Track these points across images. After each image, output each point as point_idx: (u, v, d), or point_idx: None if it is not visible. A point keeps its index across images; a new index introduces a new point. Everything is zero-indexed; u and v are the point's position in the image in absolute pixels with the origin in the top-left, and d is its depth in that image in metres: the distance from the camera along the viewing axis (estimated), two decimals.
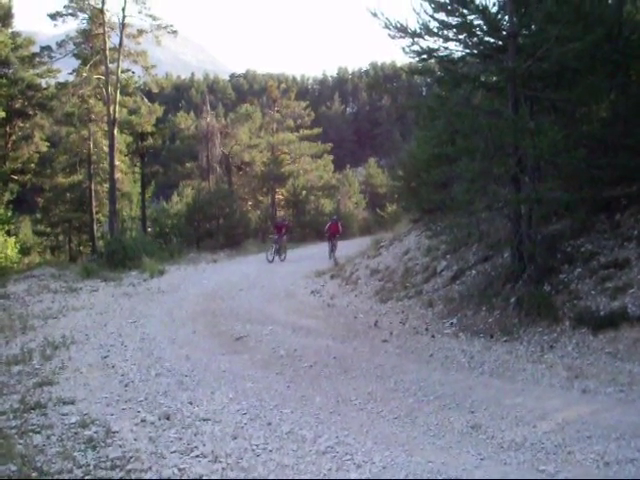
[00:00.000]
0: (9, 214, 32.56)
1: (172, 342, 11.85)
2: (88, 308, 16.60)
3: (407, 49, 12.40)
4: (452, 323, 12.13)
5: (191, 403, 7.77)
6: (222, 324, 13.79)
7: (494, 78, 12.39)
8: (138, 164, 42.18)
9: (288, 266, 24.92)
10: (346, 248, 30.22)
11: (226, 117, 50.10)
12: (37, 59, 34.88)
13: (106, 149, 35.37)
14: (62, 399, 8.01)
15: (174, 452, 6.21)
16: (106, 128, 34.83)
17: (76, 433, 6.73)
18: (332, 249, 27.39)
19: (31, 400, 7.96)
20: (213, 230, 37.75)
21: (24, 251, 32.20)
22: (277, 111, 48.73)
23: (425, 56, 12.66)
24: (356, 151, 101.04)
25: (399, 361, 10.11)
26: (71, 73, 35.02)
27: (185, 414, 7.36)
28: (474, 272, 13.71)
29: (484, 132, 11.41)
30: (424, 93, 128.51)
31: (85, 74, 32.86)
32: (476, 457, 6.16)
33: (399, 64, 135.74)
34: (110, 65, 33.16)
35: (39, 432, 6.80)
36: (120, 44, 33.02)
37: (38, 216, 41.00)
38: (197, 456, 6.11)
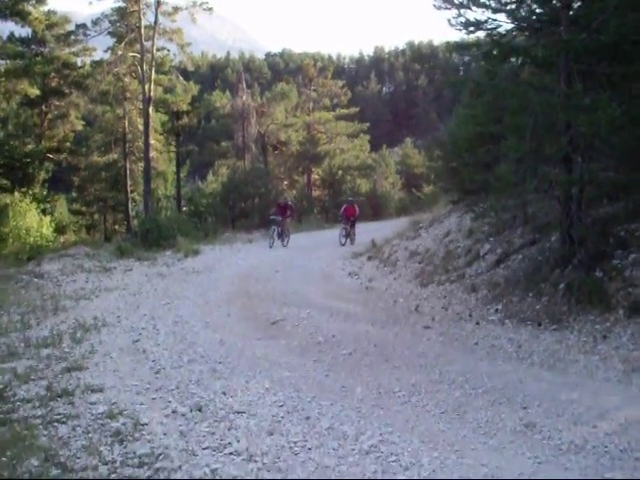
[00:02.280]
0: (44, 193, 32.58)
1: (206, 325, 11.48)
2: (121, 289, 16.34)
3: (453, 21, 11.75)
4: (497, 309, 11.55)
5: (225, 393, 7.33)
6: (257, 307, 13.40)
7: (544, 52, 11.65)
8: (173, 143, 41.94)
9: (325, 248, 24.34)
10: (382, 229, 29.77)
11: (262, 96, 49.70)
12: (72, 37, 34.57)
13: (141, 128, 35.11)
14: (90, 386, 7.64)
15: (206, 449, 5.77)
16: (141, 107, 34.54)
17: (103, 425, 6.33)
18: (347, 234, 26.38)
19: (58, 387, 7.60)
20: (248, 210, 37.41)
21: (59, 230, 32.20)
22: (313, 90, 48.13)
23: (472, 28, 11.98)
24: (392, 131, 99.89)
25: (443, 349, 9.59)
26: (106, 51, 34.77)
27: (218, 405, 6.92)
28: (520, 256, 13.07)
29: (534, 109, 10.78)
30: (461, 72, 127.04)
31: (120, 52, 32.58)
32: (533, 460, 5.65)
33: (436, 43, 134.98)
34: (145, 43, 32.87)
35: (65, 422, 6.43)
36: (155, 22, 32.66)
37: (74, 195, 41.04)
38: (230, 454, 5.68)
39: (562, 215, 11.65)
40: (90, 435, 6.08)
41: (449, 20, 11.77)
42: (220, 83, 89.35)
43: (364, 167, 50.89)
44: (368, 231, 31.69)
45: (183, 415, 6.64)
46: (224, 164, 51.22)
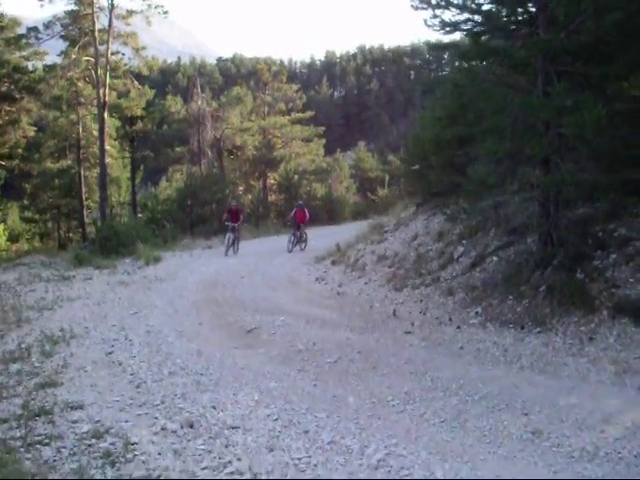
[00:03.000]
0: None
1: (179, 335, 11.07)
2: (84, 298, 15.79)
3: (429, 21, 11.57)
4: (477, 312, 11.40)
5: (215, 407, 6.97)
6: (229, 314, 13.02)
7: (522, 53, 11.50)
8: (127, 149, 41.17)
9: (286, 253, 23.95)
10: (340, 233, 29.56)
11: (215, 101, 49.02)
12: (23, 41, 33.53)
13: (95, 133, 34.42)
14: (69, 403, 7.21)
15: (205, 469, 5.44)
16: (95, 112, 33.84)
17: (90, 445, 5.93)
18: (297, 240, 25.35)
19: (35, 405, 7.16)
20: (206, 215, 36.82)
21: (12, 238, 31.30)
22: (268, 94, 47.80)
23: (448, 29, 11.79)
24: (345, 135, 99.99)
25: (428, 355, 9.37)
26: (59, 55, 33.87)
27: (210, 421, 6.56)
28: (496, 258, 12.95)
29: (513, 110, 10.66)
30: (412, 75, 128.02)
31: (74, 56, 31.74)
32: (547, 469, 5.46)
33: (386, 47, 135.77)
34: (99, 47, 32.10)
35: (48, 444, 6.01)
36: (110, 25, 31.90)
37: (25, 202, 39.92)
38: (232, 473, 5.35)
39: (540, 216, 11.55)
40: (77, 457, 5.67)
41: (425, 20, 11.58)
42: (171, 88, 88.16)
43: (319, 171, 50.67)
44: (326, 235, 31.52)
45: (174, 432, 6.28)
46: (178, 170, 50.52)
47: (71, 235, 40.28)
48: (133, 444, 5.92)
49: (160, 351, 9.86)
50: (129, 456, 5.65)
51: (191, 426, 6.39)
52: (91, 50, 32.40)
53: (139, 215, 37.63)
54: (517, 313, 10.82)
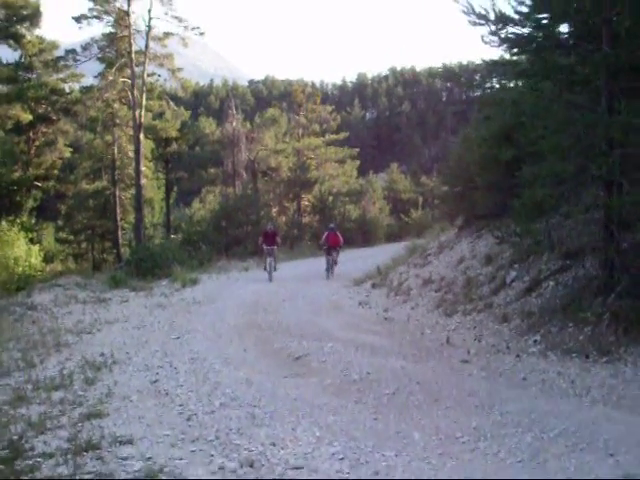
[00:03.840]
0: (32, 221, 31.62)
1: (225, 363, 10.62)
2: (122, 321, 15.53)
3: (487, 38, 11.10)
4: (536, 341, 10.82)
5: (274, 444, 6.46)
6: (273, 340, 12.57)
7: (588, 69, 10.96)
8: (161, 170, 41.18)
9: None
10: (376, 256, 29.15)
11: (246, 123, 48.94)
12: (61, 63, 33.68)
13: (131, 154, 34.46)
14: (117, 437, 6.76)
15: None
16: (130, 133, 33.85)
17: None
18: (331, 265, 24.01)
19: (81, 438, 6.72)
20: (241, 237, 36.55)
21: (47, 259, 31.19)
22: (303, 115, 47.62)
23: (506, 45, 11.30)
24: (377, 157, 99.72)
25: (491, 386, 8.81)
26: (96, 76, 33.96)
27: (271, 460, 6.06)
28: (552, 283, 12.38)
29: (576, 129, 10.15)
30: (444, 98, 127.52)
31: (111, 77, 31.80)
32: None
33: (419, 69, 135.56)
34: (135, 69, 32.15)
35: None
36: (146, 47, 32.05)
37: (60, 223, 39.98)
38: None
39: (603, 240, 10.97)
40: None
41: (482, 37, 11.12)
42: (204, 111, 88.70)
43: (354, 193, 50.37)
44: (361, 257, 31.23)
45: (233, 472, 5.79)
46: (211, 191, 50.45)
47: (105, 256, 40.26)
48: None
49: (208, 380, 9.40)
50: None
51: (251, 465, 5.90)
52: (127, 72, 32.51)
53: (172, 236, 37.51)
54: (579, 341, 10.24)
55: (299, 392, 8.75)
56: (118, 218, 36.16)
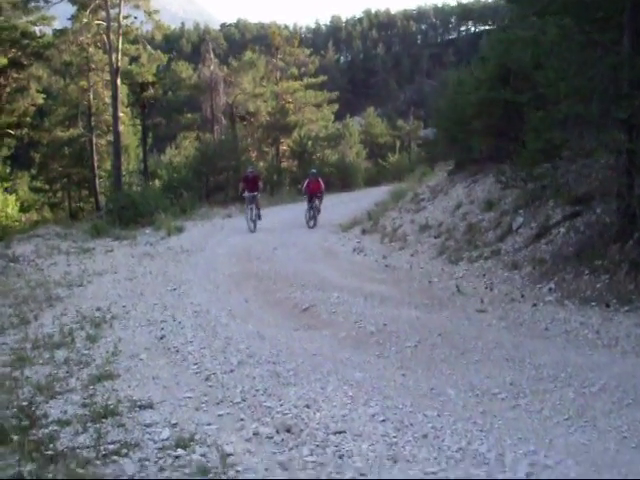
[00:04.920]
0: (7, 171, 30.67)
1: (230, 315, 10.18)
2: (112, 272, 15.01)
3: None
4: (551, 289, 10.48)
5: (308, 406, 6.04)
6: (274, 290, 12.15)
7: (607, 6, 10.35)
8: (137, 116, 40.02)
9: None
10: (359, 200, 28.77)
11: (223, 67, 47.67)
12: (32, 4, 32.09)
13: (107, 100, 33.36)
14: (135, 401, 6.31)
15: None
16: (107, 78, 32.67)
17: (177, 457, 5.00)
18: (313, 214, 22.40)
19: (96, 403, 6.25)
20: (222, 183, 35.79)
21: (23, 209, 30.30)
22: (280, 59, 46.48)
23: None
24: (352, 101, 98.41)
25: (514, 338, 8.46)
26: (69, 19, 32.46)
27: (309, 424, 5.63)
28: (562, 230, 11.99)
29: (599, 69, 9.64)
30: (419, 41, 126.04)
31: (85, 20, 30.40)
32: None
33: (393, 11, 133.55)
34: (110, 10, 30.78)
35: (126, 455, 5.07)
36: None
37: (34, 172, 38.84)
38: None
39: (625, 185, 10.54)
40: (169, 474, 4.76)
41: None
42: (176, 55, 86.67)
43: (332, 137, 49.55)
44: (343, 202, 30.78)
45: (270, 438, 5.35)
46: (187, 137, 49.35)
47: (82, 205, 39.36)
48: (229, 455, 4.99)
49: (217, 335, 8.96)
50: (231, 473, 4.71)
51: (288, 430, 5.47)
52: (102, 14, 31.07)
53: (150, 183, 36.70)
54: (597, 290, 9.91)
55: (316, 346, 8.35)
56: (95, 166, 35.12)
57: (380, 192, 30.64)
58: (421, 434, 5.40)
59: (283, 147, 46.11)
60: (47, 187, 39.03)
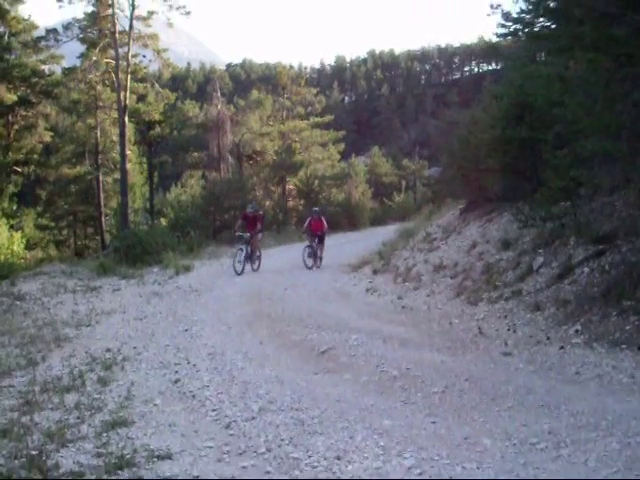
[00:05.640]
0: (13, 207, 30.51)
1: (247, 358, 9.80)
2: (120, 312, 14.69)
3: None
4: (577, 331, 10.09)
5: (339, 458, 5.66)
6: (289, 331, 11.78)
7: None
8: (144, 154, 40.06)
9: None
10: (367, 240, 28.58)
11: (230, 106, 47.85)
12: (42, 43, 32.26)
13: (114, 138, 33.41)
14: (152, 451, 5.91)
15: None
16: (114, 116, 32.74)
17: None
18: (314, 253, 21.77)
19: (111, 453, 5.88)
20: (229, 222, 35.65)
21: (28, 246, 30.08)
22: (287, 98, 46.66)
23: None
24: (357, 140, 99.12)
25: (545, 382, 8.06)
26: (78, 57, 32.63)
27: (341, 477, 5.25)
28: (586, 269, 11.63)
29: (627, 105, 9.38)
30: (423, 80, 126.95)
31: (95, 58, 30.52)
32: None
33: (397, 52, 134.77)
34: (119, 49, 30.92)
35: None
36: (130, 26, 30.77)
37: (40, 209, 38.73)
38: None
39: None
40: None
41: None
42: (182, 95, 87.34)
43: (339, 176, 49.60)
44: (350, 242, 30.69)
45: None
46: (192, 175, 49.39)
47: (87, 243, 39.19)
48: None
49: (234, 379, 8.56)
50: None
51: None
52: (111, 53, 31.27)
53: (155, 222, 36.58)
54: (626, 332, 9.52)
55: (338, 391, 7.96)
56: (102, 203, 34.99)
57: (386, 231, 30.49)
58: None
59: (289, 186, 46.16)
60: (53, 224, 38.99)
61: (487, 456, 5.79)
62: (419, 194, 60.62)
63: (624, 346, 9.12)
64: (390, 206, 55.86)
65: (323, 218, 22.81)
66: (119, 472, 5.43)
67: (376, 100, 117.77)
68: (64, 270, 23.28)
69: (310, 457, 5.69)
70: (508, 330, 10.83)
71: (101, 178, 35.16)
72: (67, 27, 31.05)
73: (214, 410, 7.25)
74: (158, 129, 37.91)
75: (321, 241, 22.18)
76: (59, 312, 14.83)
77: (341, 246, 28.39)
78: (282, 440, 6.14)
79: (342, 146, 51.97)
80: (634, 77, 9.77)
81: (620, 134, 9.53)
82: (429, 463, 5.55)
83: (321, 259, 22.13)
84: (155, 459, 5.73)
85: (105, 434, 6.47)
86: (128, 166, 32.34)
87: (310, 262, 21.57)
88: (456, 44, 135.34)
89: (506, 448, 6.02)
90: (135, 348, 10.76)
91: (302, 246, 22.85)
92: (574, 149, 10.83)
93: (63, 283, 19.67)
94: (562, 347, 9.57)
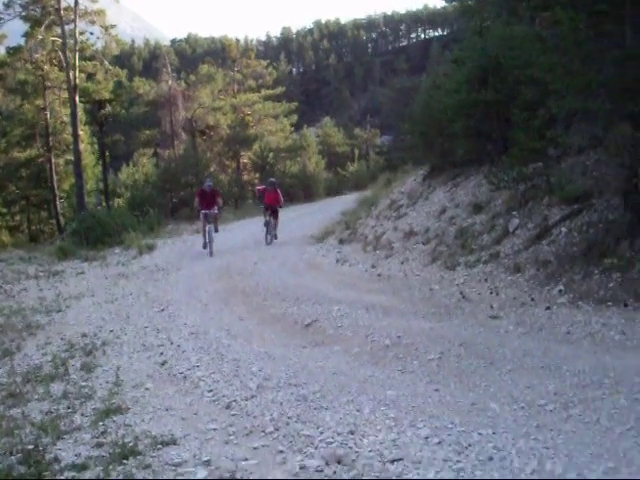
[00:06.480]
0: None
1: (230, 335, 9.60)
2: (89, 295, 14.35)
3: None
4: (561, 291, 10.07)
5: (352, 432, 5.48)
6: (267, 306, 11.60)
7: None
8: (95, 134, 39.13)
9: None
10: (324, 211, 28.50)
11: (181, 82, 46.97)
12: None
13: (65, 119, 32.44)
14: (155, 437, 5.67)
15: None
16: (64, 96, 31.78)
17: None
18: (269, 227, 20.65)
19: (112, 442, 5.62)
20: (187, 199, 35.12)
21: None
22: (237, 71, 45.99)
23: None
24: (306, 111, 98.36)
25: (539, 344, 7.99)
26: (23, 36, 31.50)
27: (360, 452, 5.06)
28: (564, 229, 11.60)
29: (604, 64, 9.29)
30: (370, 49, 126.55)
31: (40, 37, 29.47)
32: None
33: (343, 21, 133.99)
34: (65, 27, 29.92)
35: None
36: (76, 2, 29.74)
37: None
38: None
39: (627, 181, 10.22)
40: None
41: None
42: (128, 72, 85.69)
43: (292, 148, 49.23)
44: (308, 213, 30.50)
45: (320, 472, 4.79)
46: (144, 154, 48.52)
47: (42, 227, 38.27)
48: None
49: (223, 357, 8.34)
50: None
51: (339, 462, 4.90)
52: (57, 30, 30.23)
53: (110, 203, 35.93)
54: (610, 289, 9.51)
55: (332, 364, 7.81)
56: (55, 186, 34.11)
57: (343, 201, 30.48)
58: (486, 456, 4.86)
59: (244, 160, 45.65)
60: (5, 210, 37.89)
61: (500, 421, 5.68)
62: (372, 162, 60.44)
63: (610, 303, 9.13)
64: (344, 176, 55.74)
65: (279, 190, 21.39)
66: (125, 462, 5.17)
67: (324, 70, 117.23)
68: (22, 256, 22.78)
69: (322, 433, 5.50)
70: (491, 293, 10.77)
71: (53, 160, 34.17)
72: (8, 5, 29.81)
73: (210, 391, 7.02)
74: (109, 108, 37.01)
75: (275, 216, 20.73)
76: (25, 299, 14.40)
77: (300, 218, 28.22)
78: (289, 418, 5.95)
79: (295, 118, 51.48)
80: (609, 34, 9.68)
81: (599, 92, 9.43)
82: (444, 431, 5.41)
83: (276, 236, 20.86)
84: (160, 445, 5.50)
85: (101, 423, 6.21)
86: (81, 147, 31.49)
87: (268, 238, 20.64)
88: (402, 11, 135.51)
89: (515, 412, 5.92)
90: (112, 332, 10.46)
91: (261, 220, 21.95)
92: (549, 109, 10.74)
93: (23, 269, 19.16)
94: (548, 307, 9.53)
